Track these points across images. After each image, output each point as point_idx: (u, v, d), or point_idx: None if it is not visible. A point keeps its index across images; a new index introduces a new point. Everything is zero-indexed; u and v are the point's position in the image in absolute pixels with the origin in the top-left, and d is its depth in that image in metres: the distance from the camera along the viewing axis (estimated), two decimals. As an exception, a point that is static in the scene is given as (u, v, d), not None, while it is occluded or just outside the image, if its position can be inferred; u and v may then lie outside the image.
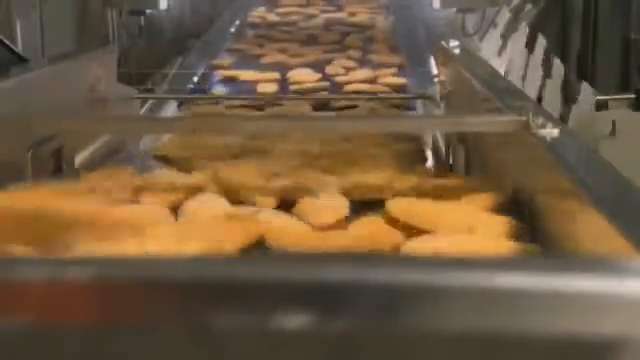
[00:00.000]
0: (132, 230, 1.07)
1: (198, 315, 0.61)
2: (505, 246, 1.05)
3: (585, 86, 2.67)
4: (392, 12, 3.76)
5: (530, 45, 3.05)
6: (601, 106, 2.55)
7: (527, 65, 3.05)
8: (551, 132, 1.15)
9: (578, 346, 0.62)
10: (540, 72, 2.86)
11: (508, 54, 3.26)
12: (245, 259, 0.71)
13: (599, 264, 0.64)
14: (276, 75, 2.53)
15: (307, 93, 2.35)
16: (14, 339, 0.62)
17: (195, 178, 1.38)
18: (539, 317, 0.61)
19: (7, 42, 2.27)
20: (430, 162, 1.69)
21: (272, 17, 3.63)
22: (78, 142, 1.68)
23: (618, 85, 2.71)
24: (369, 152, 1.57)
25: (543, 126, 1.16)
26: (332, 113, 2.19)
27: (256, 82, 2.46)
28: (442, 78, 2.15)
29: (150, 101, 2.37)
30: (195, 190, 1.30)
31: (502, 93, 1.47)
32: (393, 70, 2.61)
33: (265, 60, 2.78)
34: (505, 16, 3.46)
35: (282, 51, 2.89)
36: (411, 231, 1.14)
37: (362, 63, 2.72)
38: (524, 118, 1.21)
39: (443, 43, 2.22)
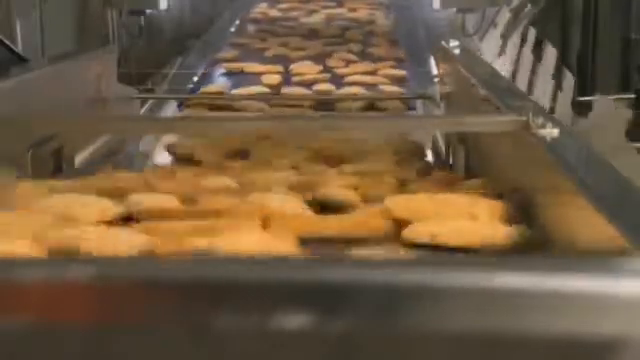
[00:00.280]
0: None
1: (198, 315, 0.61)
2: (501, 230, 1.09)
3: (567, 73, 2.68)
4: (393, 11, 3.77)
5: (537, 52, 3.04)
6: (583, 106, 2.56)
7: (534, 72, 3.04)
8: (551, 132, 1.15)
9: (578, 346, 0.62)
10: (551, 83, 2.86)
11: (507, 55, 3.26)
12: (245, 260, 0.71)
13: (599, 264, 0.64)
14: (279, 67, 2.60)
15: (309, 84, 2.41)
16: (14, 339, 0.62)
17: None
18: (539, 317, 0.61)
19: (7, 42, 2.27)
20: (430, 161, 1.69)
21: (274, 13, 3.70)
22: (78, 142, 1.68)
23: (618, 85, 2.71)
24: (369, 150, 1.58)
25: (543, 126, 1.16)
26: (333, 113, 2.19)
27: (260, 74, 2.54)
28: (442, 78, 2.15)
29: (150, 101, 2.37)
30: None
31: (502, 93, 1.47)
32: (392, 63, 2.68)
33: (268, 53, 2.86)
34: (505, 16, 3.46)
35: (284, 45, 2.96)
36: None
37: (362, 56, 2.78)
38: (524, 118, 1.21)
39: (443, 43, 2.22)
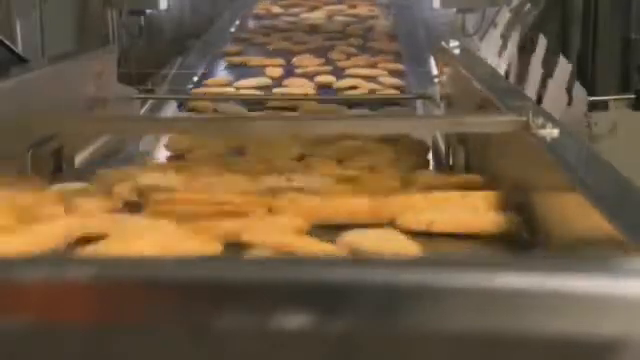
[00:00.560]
0: None
1: (198, 315, 0.61)
2: (496, 218, 1.15)
3: (578, 86, 2.67)
4: (392, 11, 3.77)
5: (528, 45, 3.04)
6: (596, 106, 2.56)
7: (527, 65, 3.04)
8: (551, 132, 1.15)
9: (578, 346, 0.62)
10: (540, 71, 2.85)
11: (507, 55, 3.26)
12: (245, 260, 0.71)
13: (599, 264, 0.64)
14: (281, 60, 2.68)
15: (311, 75, 2.50)
16: (14, 339, 0.62)
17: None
18: (539, 317, 0.61)
19: (7, 42, 2.27)
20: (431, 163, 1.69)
21: (276, 9, 3.78)
22: (78, 142, 1.68)
23: (618, 85, 2.71)
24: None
25: (543, 126, 1.16)
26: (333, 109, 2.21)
27: (264, 66, 2.61)
28: (442, 78, 2.16)
29: (150, 101, 2.37)
30: None
31: (502, 93, 1.47)
32: (391, 57, 2.77)
33: (271, 47, 2.94)
34: (505, 16, 3.46)
35: (287, 39, 3.05)
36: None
37: (362, 50, 2.87)
38: (524, 118, 1.21)
39: (443, 43, 2.22)
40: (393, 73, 2.54)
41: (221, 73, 2.66)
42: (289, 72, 2.56)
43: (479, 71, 1.75)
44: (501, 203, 1.20)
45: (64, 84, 1.75)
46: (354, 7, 3.75)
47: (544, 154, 1.09)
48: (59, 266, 0.62)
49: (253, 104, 2.28)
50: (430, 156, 1.69)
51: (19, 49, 2.49)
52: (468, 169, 1.52)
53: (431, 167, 1.65)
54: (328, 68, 2.59)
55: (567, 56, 2.95)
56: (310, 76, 2.49)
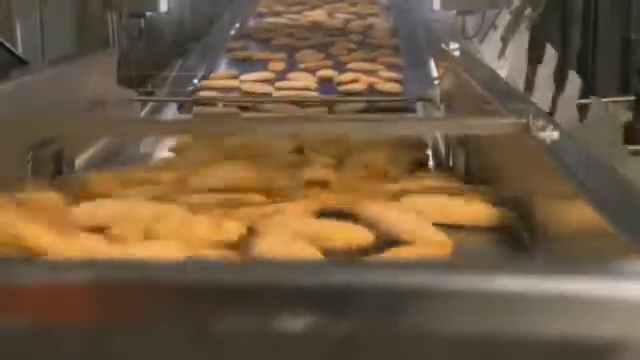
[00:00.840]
0: None
1: (199, 318, 0.61)
2: (486, 210, 1.19)
3: (572, 74, 2.68)
4: (393, 13, 3.78)
5: (535, 54, 3.03)
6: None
7: (534, 75, 3.03)
8: (551, 135, 1.15)
9: (578, 348, 0.62)
10: (552, 86, 2.85)
11: (508, 58, 3.26)
12: (246, 262, 0.71)
13: (599, 267, 0.64)
14: (284, 55, 2.79)
15: (313, 70, 2.59)
16: (14, 340, 0.62)
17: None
18: (539, 320, 0.61)
19: (7, 45, 2.27)
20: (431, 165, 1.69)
21: (278, 7, 3.91)
22: (78, 144, 1.68)
23: (618, 86, 2.71)
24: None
25: (543, 129, 1.16)
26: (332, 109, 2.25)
27: (268, 61, 2.71)
28: (442, 80, 2.16)
29: (150, 103, 2.37)
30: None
31: (502, 96, 1.47)
32: (390, 51, 2.89)
33: (274, 42, 3.05)
34: (505, 18, 3.46)
35: (289, 36, 3.16)
36: None
37: (362, 45, 2.99)
38: (524, 121, 1.21)
39: (443, 45, 2.22)
40: (391, 67, 2.64)
41: (225, 67, 2.74)
42: (292, 67, 2.65)
43: (479, 73, 1.75)
44: (500, 204, 1.21)
45: (64, 86, 1.75)
46: (355, 5, 3.89)
47: (544, 156, 1.09)
48: (59, 268, 0.62)
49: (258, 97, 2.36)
50: (429, 152, 1.70)
51: (19, 51, 2.49)
52: (468, 172, 1.52)
53: (431, 168, 1.65)
54: (329, 63, 2.68)
55: (567, 57, 2.95)
56: (312, 70, 2.58)
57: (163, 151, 1.75)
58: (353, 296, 0.61)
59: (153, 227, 1.11)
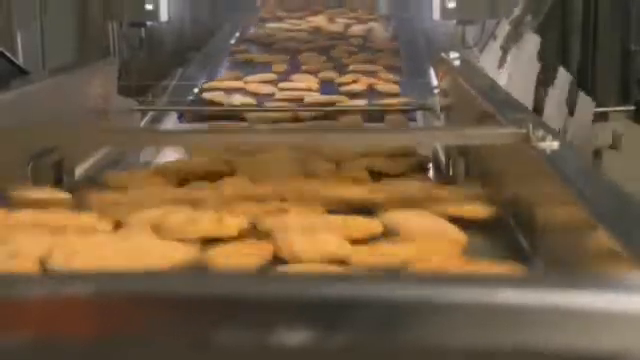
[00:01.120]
0: None
1: (198, 331, 0.61)
2: (476, 209, 1.24)
3: (583, 97, 2.67)
4: (393, 22, 3.80)
5: (547, 76, 3.02)
6: (600, 117, 2.55)
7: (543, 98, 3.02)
8: (551, 145, 1.15)
9: (578, 361, 0.61)
10: (565, 110, 2.84)
11: (508, 67, 3.26)
12: (245, 275, 0.71)
13: (599, 280, 0.64)
14: (287, 58, 2.90)
15: (315, 71, 2.68)
16: (15, 356, 0.62)
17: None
18: (540, 333, 0.61)
19: (8, 54, 2.28)
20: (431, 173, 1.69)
21: (280, 13, 4.06)
22: (78, 154, 1.68)
23: (618, 96, 2.71)
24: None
25: (543, 139, 1.16)
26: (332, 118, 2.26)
27: (270, 63, 2.81)
28: (442, 89, 2.16)
29: (150, 113, 2.37)
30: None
31: (502, 105, 1.47)
32: (389, 54, 3.01)
33: (277, 45, 3.16)
34: (505, 28, 3.46)
35: (291, 39, 3.28)
36: None
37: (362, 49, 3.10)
38: (524, 131, 1.21)
39: (443, 55, 2.22)
40: (390, 69, 2.75)
41: (229, 70, 2.81)
42: (296, 66, 2.76)
43: (479, 83, 1.75)
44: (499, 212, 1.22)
45: (65, 96, 1.75)
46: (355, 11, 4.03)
47: (544, 166, 1.09)
48: (59, 282, 0.62)
49: (262, 97, 2.42)
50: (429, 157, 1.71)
51: (20, 60, 2.49)
52: (468, 181, 1.52)
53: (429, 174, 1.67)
54: (330, 65, 2.79)
55: (567, 67, 2.95)
56: (314, 72, 2.67)
57: (164, 159, 1.75)
58: (352, 309, 0.61)
59: (159, 221, 1.14)
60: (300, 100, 2.36)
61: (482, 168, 1.46)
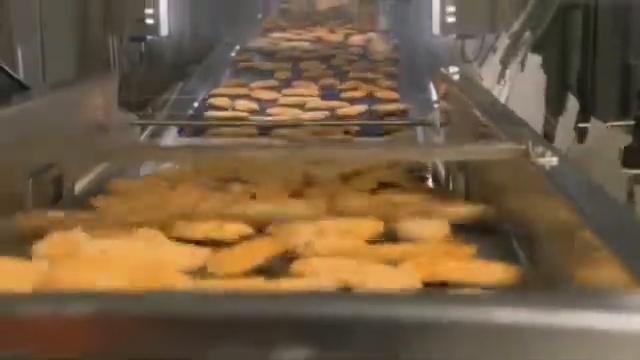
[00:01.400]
0: None
1: (196, 350, 0.61)
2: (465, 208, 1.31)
3: (571, 98, 2.68)
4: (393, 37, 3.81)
5: (556, 104, 3.02)
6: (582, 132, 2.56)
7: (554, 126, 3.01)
8: (550, 161, 1.15)
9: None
10: (574, 138, 2.84)
11: (507, 81, 3.26)
12: (243, 294, 0.71)
13: (600, 298, 0.64)
14: (289, 65, 3.04)
15: (317, 78, 2.80)
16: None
17: None
18: (540, 352, 0.61)
19: (7, 69, 2.28)
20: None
21: (282, 22, 4.28)
22: (78, 169, 1.68)
23: (618, 111, 2.71)
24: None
25: (542, 155, 1.16)
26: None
27: (274, 70, 2.94)
28: (442, 105, 2.16)
29: (150, 127, 2.38)
30: None
31: (502, 121, 1.48)
32: (388, 62, 3.15)
33: (280, 54, 3.31)
34: (504, 42, 3.46)
35: (294, 49, 3.43)
36: None
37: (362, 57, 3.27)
38: (523, 146, 1.21)
39: (442, 69, 2.22)
40: (389, 76, 2.87)
41: (235, 76, 2.94)
42: (297, 73, 2.89)
43: (479, 98, 1.75)
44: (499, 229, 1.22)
45: (65, 111, 1.75)
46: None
47: (543, 182, 1.09)
48: (59, 302, 0.62)
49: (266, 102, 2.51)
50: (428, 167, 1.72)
51: (20, 75, 2.49)
52: (468, 196, 1.52)
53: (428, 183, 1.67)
54: (331, 72, 2.92)
55: (567, 82, 2.95)
56: (315, 79, 2.78)
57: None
58: (352, 328, 0.60)
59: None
60: (302, 106, 2.45)
61: (482, 183, 1.46)
